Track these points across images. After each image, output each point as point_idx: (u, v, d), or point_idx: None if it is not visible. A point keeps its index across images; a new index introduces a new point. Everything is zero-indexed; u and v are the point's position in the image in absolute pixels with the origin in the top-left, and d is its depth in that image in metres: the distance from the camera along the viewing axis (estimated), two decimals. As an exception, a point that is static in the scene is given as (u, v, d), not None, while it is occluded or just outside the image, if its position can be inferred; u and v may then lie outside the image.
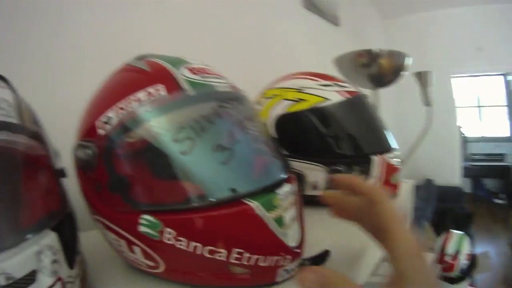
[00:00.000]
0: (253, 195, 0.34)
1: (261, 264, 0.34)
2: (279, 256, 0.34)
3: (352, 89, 0.64)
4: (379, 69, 1.11)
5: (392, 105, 2.62)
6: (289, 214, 0.36)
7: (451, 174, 2.99)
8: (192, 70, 0.38)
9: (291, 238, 0.35)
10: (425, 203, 2.20)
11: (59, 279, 0.27)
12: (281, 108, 0.63)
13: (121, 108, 0.34)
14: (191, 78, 0.37)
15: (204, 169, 0.34)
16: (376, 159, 0.60)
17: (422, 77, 1.44)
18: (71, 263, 0.30)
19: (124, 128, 0.34)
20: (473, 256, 1.53)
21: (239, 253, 0.33)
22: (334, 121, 0.61)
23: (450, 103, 3.03)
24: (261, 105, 0.66)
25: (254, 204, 0.33)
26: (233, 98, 0.40)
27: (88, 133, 0.36)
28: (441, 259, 1.49)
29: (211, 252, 0.32)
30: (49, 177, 0.33)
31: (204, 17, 1.03)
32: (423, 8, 2.93)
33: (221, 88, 0.39)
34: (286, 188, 0.36)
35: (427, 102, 1.45)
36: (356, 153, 0.61)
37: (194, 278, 0.36)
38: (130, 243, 0.35)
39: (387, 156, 0.62)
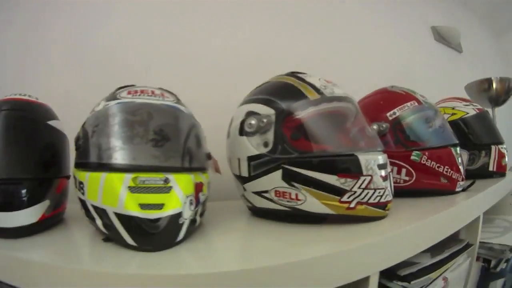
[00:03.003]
0: (451, 146, 0.80)
1: (453, 177, 0.78)
2: (459, 175, 0.79)
3: (480, 107, 1.14)
4: (495, 92, 1.58)
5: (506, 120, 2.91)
6: (460, 160, 0.81)
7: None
8: (421, 96, 0.84)
9: (462, 170, 0.80)
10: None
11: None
12: (443, 119, 1.15)
13: (400, 109, 0.80)
14: (425, 99, 0.83)
15: (434, 134, 0.80)
16: (493, 148, 1.08)
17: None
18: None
19: (401, 116, 0.79)
20: None
21: (447, 169, 0.78)
22: (471, 125, 1.10)
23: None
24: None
25: (452, 149, 0.79)
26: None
27: (380, 119, 0.80)
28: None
29: (438, 167, 0.77)
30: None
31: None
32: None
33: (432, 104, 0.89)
34: (458, 148, 0.83)
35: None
36: (483, 143, 1.09)
37: (425, 184, 0.77)
38: (400, 168, 0.78)
39: (499, 146, 1.09)
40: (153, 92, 0.55)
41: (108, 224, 0.45)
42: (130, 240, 0.44)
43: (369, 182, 0.53)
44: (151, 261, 0.41)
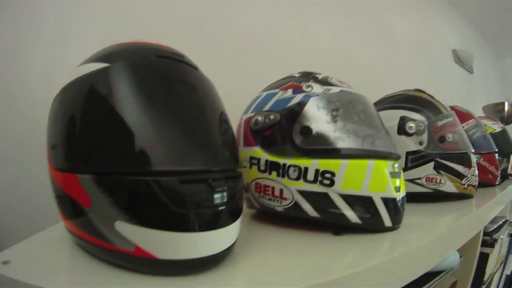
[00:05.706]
0: (494, 152, 1.25)
1: (496, 174, 1.21)
2: (498, 173, 1.23)
3: (502, 125, 1.51)
4: (507, 113, 1.98)
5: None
6: (498, 163, 1.28)
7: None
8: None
9: (499, 169, 1.27)
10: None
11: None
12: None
13: (467, 124, 1.01)
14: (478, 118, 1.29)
15: (485, 143, 1.24)
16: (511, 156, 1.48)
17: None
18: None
19: (467, 130, 1.17)
20: None
21: (493, 168, 1.21)
22: (497, 138, 1.39)
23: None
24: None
25: (496, 155, 1.26)
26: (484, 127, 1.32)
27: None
28: None
29: (488, 166, 1.21)
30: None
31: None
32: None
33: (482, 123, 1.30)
34: (497, 154, 1.29)
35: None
36: (505, 152, 1.42)
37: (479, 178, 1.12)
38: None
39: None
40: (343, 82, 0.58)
41: (368, 211, 0.47)
42: (388, 222, 0.48)
43: (474, 172, 0.82)
44: (400, 239, 0.49)
